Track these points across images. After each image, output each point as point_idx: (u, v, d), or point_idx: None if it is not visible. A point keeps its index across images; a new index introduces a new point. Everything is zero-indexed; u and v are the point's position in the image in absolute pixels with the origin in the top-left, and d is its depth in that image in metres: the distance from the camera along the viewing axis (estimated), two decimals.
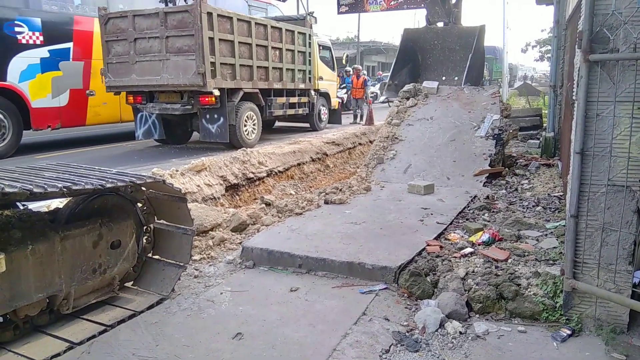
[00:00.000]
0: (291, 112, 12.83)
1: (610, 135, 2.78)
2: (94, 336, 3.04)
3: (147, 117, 10.97)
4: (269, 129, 14.49)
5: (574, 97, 3.03)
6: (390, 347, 2.92)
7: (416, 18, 49.63)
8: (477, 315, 3.27)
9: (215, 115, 10.16)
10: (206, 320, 3.26)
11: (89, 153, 10.65)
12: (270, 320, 3.22)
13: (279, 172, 8.88)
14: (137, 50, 9.88)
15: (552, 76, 9.26)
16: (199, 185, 6.73)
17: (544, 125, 11.12)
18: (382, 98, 10.26)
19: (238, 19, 10.28)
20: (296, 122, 14.48)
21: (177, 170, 6.65)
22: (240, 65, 10.37)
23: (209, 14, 9.35)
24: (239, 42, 10.26)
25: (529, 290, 3.28)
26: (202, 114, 10.25)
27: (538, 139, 10.12)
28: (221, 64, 9.81)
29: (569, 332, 2.96)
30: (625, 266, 2.86)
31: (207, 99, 9.75)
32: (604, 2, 2.71)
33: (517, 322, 3.17)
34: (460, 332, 3.05)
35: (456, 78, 10.03)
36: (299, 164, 9.54)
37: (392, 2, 27.05)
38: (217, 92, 9.68)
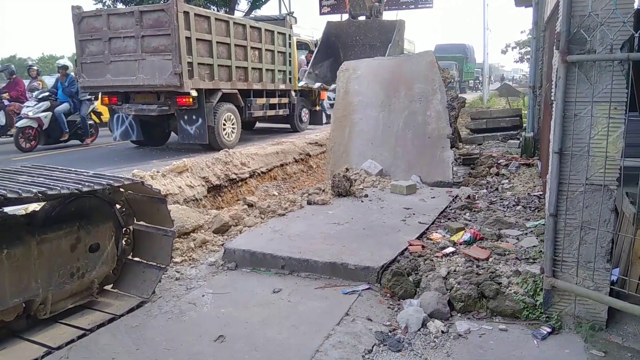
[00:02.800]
0: (271, 113, 12.66)
1: (588, 135, 2.82)
2: (72, 340, 2.98)
3: (123, 118, 10.76)
4: (249, 130, 14.38)
5: (552, 98, 3.07)
6: (373, 347, 2.92)
7: (397, 18, 49.68)
8: (459, 314, 3.29)
9: (193, 117, 9.98)
10: (188, 323, 3.22)
11: (68, 154, 10.49)
12: (252, 322, 3.20)
13: (262, 173, 8.85)
14: (112, 50, 9.68)
15: (531, 77, 9.38)
16: (180, 187, 6.67)
17: (524, 125, 11.27)
18: (301, 83, 10.18)
19: (216, 19, 10.14)
20: (277, 123, 14.38)
21: (158, 172, 6.58)
22: (219, 65, 10.21)
23: (186, 13, 9.19)
24: (217, 42, 10.10)
25: (509, 288, 3.31)
26: (179, 115, 10.06)
27: (518, 139, 10.27)
28: (199, 64, 9.64)
29: (549, 329, 2.99)
30: (603, 264, 2.90)
31: (184, 100, 9.57)
32: (581, 3, 2.75)
33: (498, 320, 3.20)
34: (442, 331, 3.07)
35: None
36: (282, 165, 9.52)
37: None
38: (194, 93, 9.50)
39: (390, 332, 3.11)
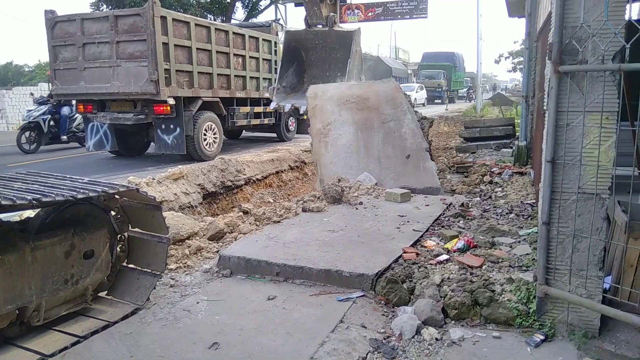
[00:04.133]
0: (256, 122, 12.28)
1: (580, 144, 2.85)
2: (66, 348, 2.97)
3: (98, 127, 10.35)
4: (235, 139, 14.08)
5: (545, 107, 3.10)
6: (367, 354, 2.93)
7: (392, 29, 49.82)
8: (453, 322, 3.30)
9: (171, 126, 9.59)
10: (182, 330, 3.21)
11: (63, 161, 10.46)
12: (247, 330, 3.20)
13: (257, 180, 8.86)
14: (86, 56, 9.36)
15: (524, 87, 9.47)
16: (176, 194, 6.67)
17: (517, 134, 11.35)
18: (273, 105, 9.63)
19: (196, 24, 9.79)
20: (264, 132, 13.92)
21: (153, 179, 6.57)
22: (199, 72, 9.88)
23: (163, 18, 8.88)
24: (197, 49, 9.76)
25: (503, 296, 3.33)
26: (157, 124, 9.67)
27: (511, 147, 10.34)
28: (177, 71, 9.30)
29: (542, 337, 3.01)
30: (595, 272, 2.93)
31: (161, 108, 9.22)
32: (573, 15, 2.79)
33: (491, 327, 3.21)
34: (436, 339, 3.08)
35: (339, 74, 9.70)
36: (277, 172, 9.54)
37: (370, 14, 27.46)
38: (171, 101, 9.16)
39: (384, 339, 3.11)
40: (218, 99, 10.58)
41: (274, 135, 13.77)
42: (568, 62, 2.83)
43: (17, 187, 3.00)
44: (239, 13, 27.36)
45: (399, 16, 28.24)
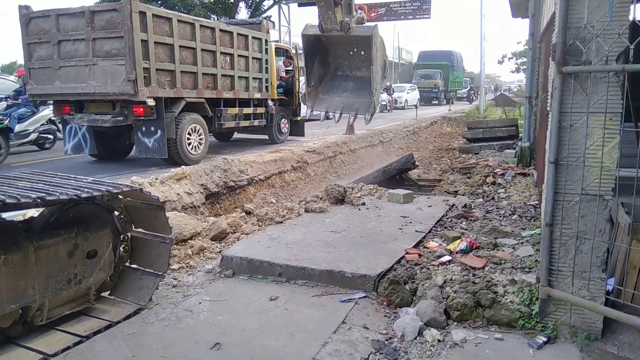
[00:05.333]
0: (245, 123, 11.67)
1: (583, 145, 2.85)
2: (68, 347, 2.98)
3: (76, 130, 9.88)
4: (227, 141, 13.47)
5: (548, 108, 3.10)
6: (369, 355, 2.93)
7: (395, 30, 49.54)
8: (455, 323, 3.30)
9: (152, 128, 9.02)
10: (184, 330, 3.22)
11: (67, 161, 10.47)
12: (249, 330, 3.20)
13: (260, 180, 8.85)
14: (61, 54, 8.86)
15: (528, 87, 9.45)
16: (179, 194, 6.68)
17: (520, 135, 11.32)
18: (307, 111, 8.79)
19: (179, 20, 9.24)
20: (255, 133, 13.26)
21: (156, 179, 6.58)
22: (182, 72, 9.32)
23: (142, 14, 8.37)
24: (180, 46, 9.23)
25: (505, 297, 3.32)
26: (137, 127, 9.12)
27: (514, 148, 10.31)
28: (157, 70, 8.75)
29: (544, 339, 3.00)
30: (598, 274, 2.92)
31: (141, 110, 8.68)
32: (577, 15, 2.79)
33: (494, 329, 3.21)
34: (439, 340, 3.07)
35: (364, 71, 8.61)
36: (280, 173, 9.54)
37: (372, 14, 27.43)
38: (151, 102, 8.64)
39: (386, 340, 3.11)
40: (203, 100, 10.05)
41: (266, 137, 13.13)
42: (572, 63, 2.82)
43: (22, 186, 3.02)
44: (243, 13, 27.38)
45: (402, 17, 28.19)
